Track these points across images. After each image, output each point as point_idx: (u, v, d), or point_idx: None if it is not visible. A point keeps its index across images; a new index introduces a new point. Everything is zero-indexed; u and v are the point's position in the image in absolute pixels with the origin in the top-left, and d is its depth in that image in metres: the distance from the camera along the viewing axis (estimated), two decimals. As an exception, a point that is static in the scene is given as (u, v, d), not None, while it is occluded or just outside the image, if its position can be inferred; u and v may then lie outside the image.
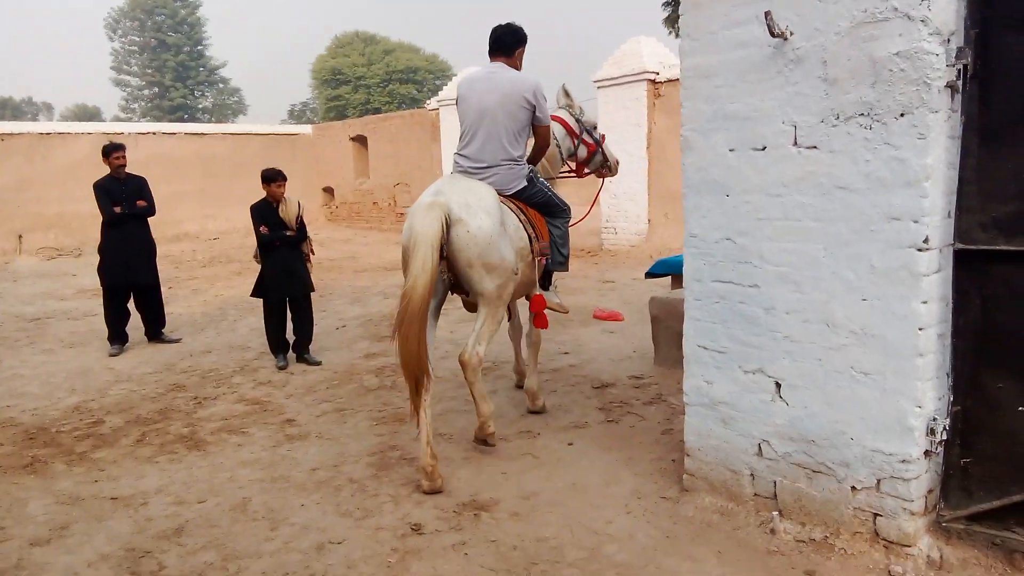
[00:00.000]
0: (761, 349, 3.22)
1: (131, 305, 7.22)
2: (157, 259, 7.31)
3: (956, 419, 2.84)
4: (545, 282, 4.78)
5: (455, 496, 3.69)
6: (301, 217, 6.40)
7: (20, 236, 15.16)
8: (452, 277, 4.07)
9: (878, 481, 2.89)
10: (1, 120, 31.27)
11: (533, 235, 4.45)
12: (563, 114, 5.28)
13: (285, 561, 3.15)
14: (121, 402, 5.49)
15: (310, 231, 6.71)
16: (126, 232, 6.93)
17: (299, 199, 6.54)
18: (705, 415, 3.46)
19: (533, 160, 4.77)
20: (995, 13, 2.65)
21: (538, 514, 3.47)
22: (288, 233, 6.22)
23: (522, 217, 4.42)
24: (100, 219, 7.02)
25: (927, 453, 2.83)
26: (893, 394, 2.83)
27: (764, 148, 3.11)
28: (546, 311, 4.67)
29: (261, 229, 6.14)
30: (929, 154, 2.69)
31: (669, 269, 7.91)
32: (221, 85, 53.51)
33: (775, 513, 3.15)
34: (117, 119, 47.13)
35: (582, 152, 5.36)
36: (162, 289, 7.57)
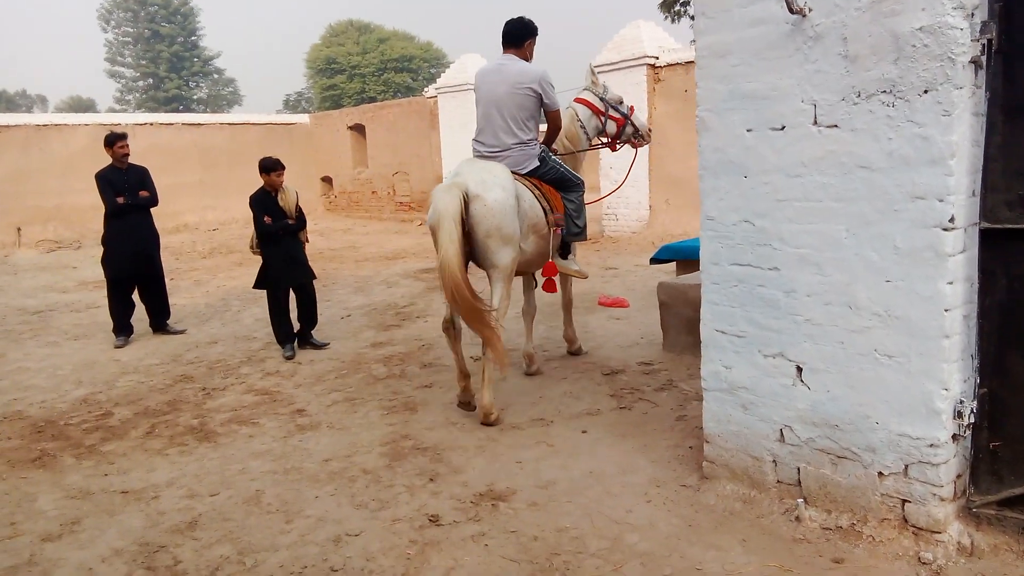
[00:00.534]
0: (781, 333, 3.17)
1: (135, 297, 7.16)
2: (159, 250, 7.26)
3: (983, 401, 2.79)
4: (564, 251, 5.26)
5: (471, 486, 3.65)
6: (299, 205, 6.36)
7: (19, 229, 15.07)
8: (469, 250, 4.47)
9: (906, 466, 2.84)
10: (-4, 113, 31.04)
11: (548, 208, 4.91)
12: (587, 95, 5.74)
13: (302, 554, 3.11)
14: (129, 394, 5.44)
15: (308, 221, 6.68)
16: (129, 223, 6.86)
17: (295, 188, 6.50)
18: (724, 401, 3.42)
19: (549, 141, 5.24)
20: (1023, -15, 2.58)
21: (556, 504, 3.43)
22: (290, 222, 6.18)
23: (536, 192, 4.87)
24: (100, 211, 6.96)
25: (955, 437, 2.79)
26: (919, 377, 2.79)
27: (783, 128, 3.05)
28: (564, 276, 5.28)
29: (265, 219, 6.08)
30: (954, 131, 2.63)
31: (674, 255, 7.87)
32: (216, 76, 53.16)
33: (800, 500, 3.11)
34: (112, 111, 46.86)
35: (611, 127, 5.80)
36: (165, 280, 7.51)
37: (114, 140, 6.85)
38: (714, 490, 3.40)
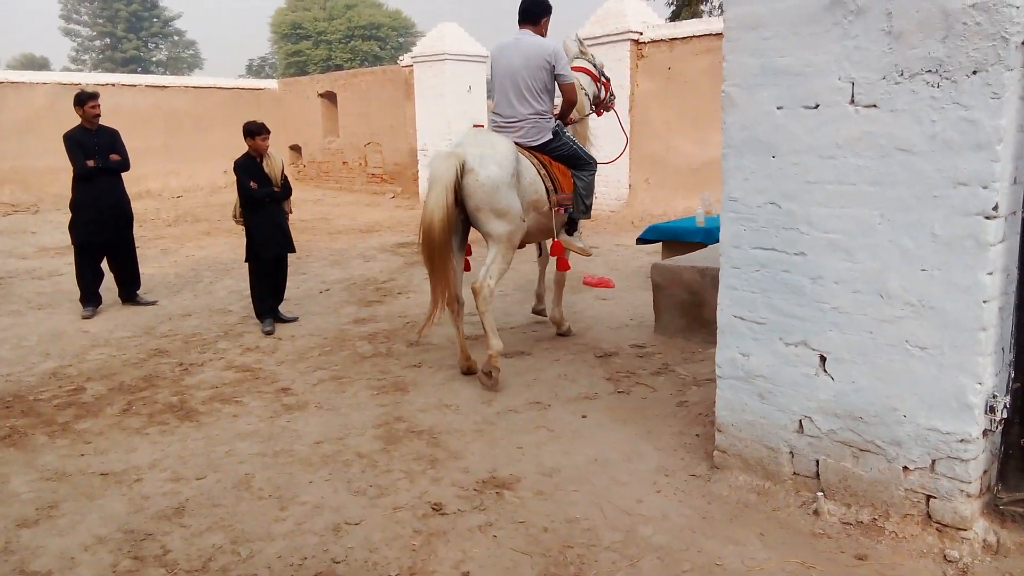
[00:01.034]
0: (805, 320, 3.06)
1: (103, 266, 6.84)
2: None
3: (1016, 396, 2.72)
4: (571, 228, 5.32)
5: (472, 472, 3.51)
6: (284, 173, 6.11)
7: (-28, 192, 14.41)
8: (463, 217, 4.68)
9: (933, 461, 2.76)
10: (-56, 68, 29.67)
11: (551, 188, 4.98)
12: (582, 63, 5.89)
13: (301, 544, 2.94)
14: (101, 368, 5.17)
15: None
16: (99, 187, 6.50)
17: (280, 155, 6.24)
18: (740, 389, 3.30)
19: (563, 114, 5.32)
20: (1083, -36, 2.47)
21: (563, 492, 3.30)
22: (276, 189, 5.93)
23: (542, 172, 4.96)
24: (59, 174, 6.68)
25: (985, 432, 2.71)
26: (951, 370, 2.70)
27: (817, 106, 2.91)
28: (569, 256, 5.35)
29: (251, 184, 5.81)
30: (1003, 115, 2.52)
31: (661, 235, 7.78)
32: (176, 37, 51.50)
33: (819, 493, 3.02)
34: (67, 70, 45.13)
35: (602, 92, 6.01)
36: (134, 249, 7.18)
37: (85, 99, 6.48)
38: (726, 480, 3.30)
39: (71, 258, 7.08)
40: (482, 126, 14.34)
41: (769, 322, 3.18)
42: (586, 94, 5.75)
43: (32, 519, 3.17)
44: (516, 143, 4.85)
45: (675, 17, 20.04)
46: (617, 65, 11.63)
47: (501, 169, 4.56)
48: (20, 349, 5.64)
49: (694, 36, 10.87)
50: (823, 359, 3.04)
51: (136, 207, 7.32)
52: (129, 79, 17.59)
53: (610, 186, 12.29)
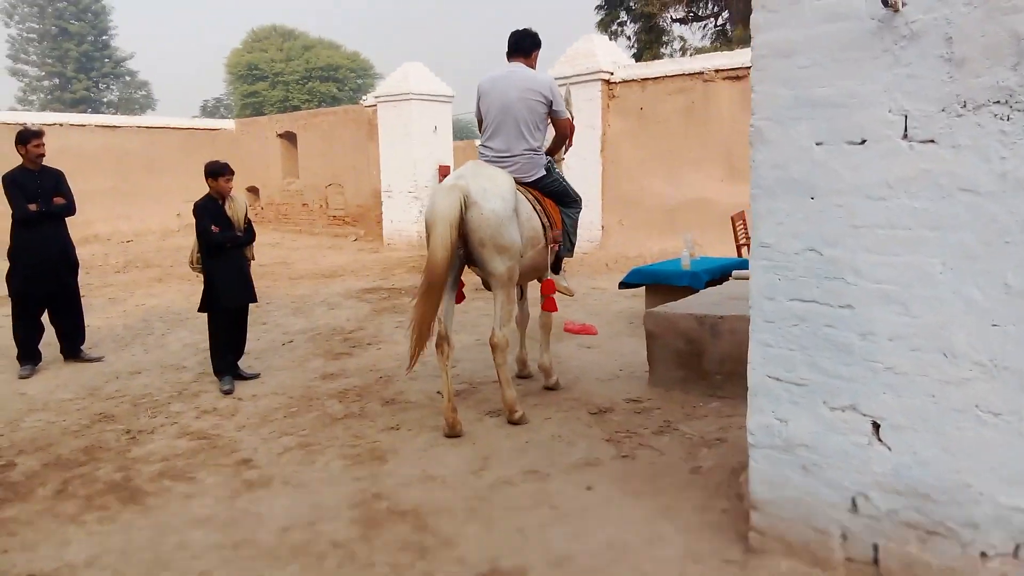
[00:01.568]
0: (854, 382, 2.69)
1: (44, 319, 6.23)
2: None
3: (1110, 470, 2.37)
4: (555, 267, 5.14)
5: (470, 564, 3.03)
6: (248, 216, 5.65)
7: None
8: (466, 253, 4.48)
9: (1016, 546, 2.39)
10: None
11: (547, 224, 4.85)
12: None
13: (271, 668, 2.43)
14: (37, 438, 4.57)
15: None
16: (42, 233, 5.93)
17: (244, 198, 5.78)
18: (778, 460, 2.91)
19: (554, 150, 5.26)
20: None
21: (579, 586, 2.85)
22: (239, 234, 5.47)
23: (537, 207, 4.81)
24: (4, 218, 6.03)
25: (1077, 512, 2.35)
26: (1034, 440, 2.34)
27: (863, 142, 2.58)
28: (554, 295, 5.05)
29: (213, 228, 5.33)
30: (1087, 151, 2.20)
31: (644, 279, 7.43)
32: (128, 78, 50.63)
33: (882, 584, 2.62)
34: (13, 111, 43.95)
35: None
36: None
37: (29, 137, 5.93)
38: (766, 567, 2.88)
39: (7, 310, 6.46)
40: (448, 167, 14.14)
41: (811, 383, 2.80)
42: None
43: (-62, 642, 2.60)
44: None
45: (638, 59, 20.14)
46: (588, 105, 11.44)
47: (504, 203, 4.40)
48: (-58, 417, 5.01)
49: (666, 76, 10.72)
50: (876, 426, 2.66)
51: (82, 253, 6.78)
52: (78, 119, 16.95)
53: (583, 227, 11.87)
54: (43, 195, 5.96)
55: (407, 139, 13.78)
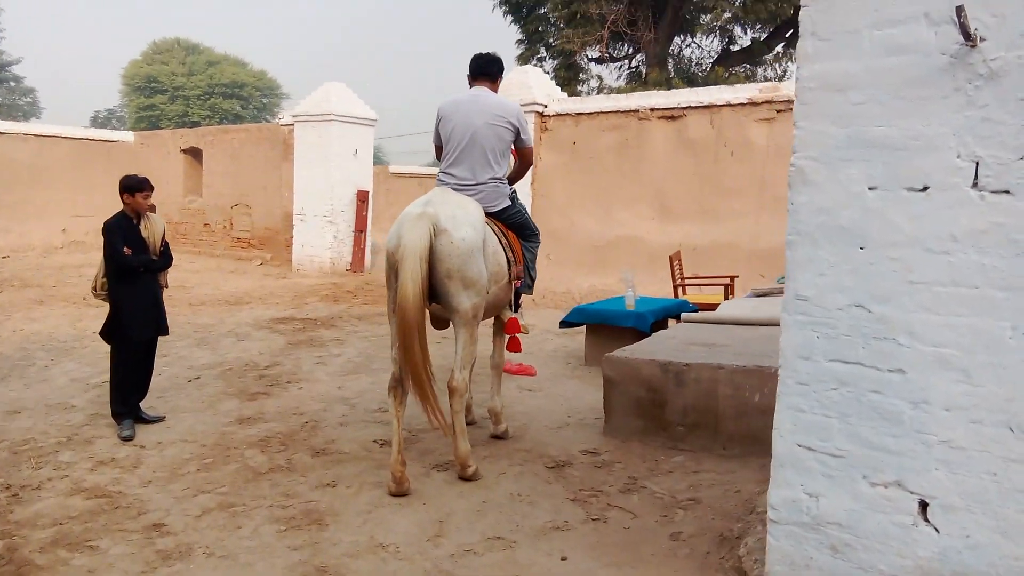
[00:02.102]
0: (901, 455, 2.40)
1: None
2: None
3: None
4: (515, 304, 4.92)
5: (450, 662, 2.53)
6: (165, 239, 5.01)
7: None
8: (428, 287, 4.02)
9: (1094, 650, 2.12)
10: None
11: (512, 259, 4.59)
12: None
13: None
14: None
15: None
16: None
17: (161, 218, 5.14)
18: (803, 539, 2.57)
19: (515, 179, 4.97)
20: None
21: None
22: (154, 257, 4.83)
23: (503, 241, 4.54)
24: None
25: None
26: (1116, 530, 2.09)
27: (925, 189, 2.32)
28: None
29: (125, 250, 4.65)
30: None
31: (587, 318, 7.13)
32: (13, 83, 47.49)
33: None
34: None
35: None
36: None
37: None
38: (794, 665, 2.53)
39: None
40: (367, 192, 13.55)
41: (850, 455, 2.49)
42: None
43: None
44: None
45: (524, 63, 20.25)
46: (519, 137, 11.17)
47: (475, 232, 4.09)
48: None
49: (601, 112, 10.60)
50: (924, 505, 2.37)
51: (-48, 270, 5.85)
52: (-47, 121, 15.38)
53: (507, 262, 11.66)
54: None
55: (325, 161, 13.12)
